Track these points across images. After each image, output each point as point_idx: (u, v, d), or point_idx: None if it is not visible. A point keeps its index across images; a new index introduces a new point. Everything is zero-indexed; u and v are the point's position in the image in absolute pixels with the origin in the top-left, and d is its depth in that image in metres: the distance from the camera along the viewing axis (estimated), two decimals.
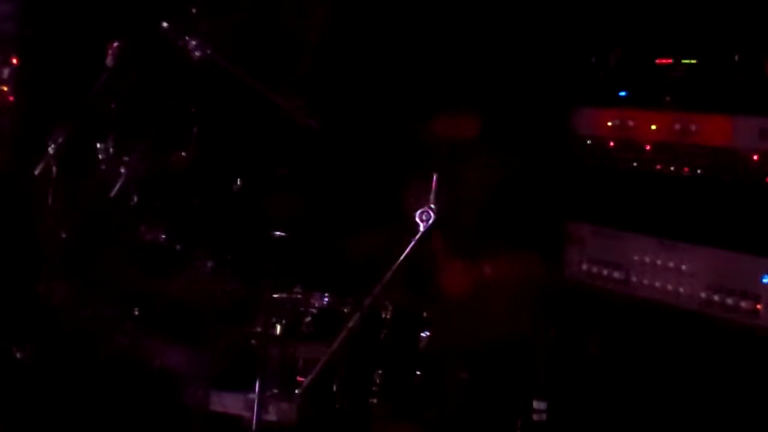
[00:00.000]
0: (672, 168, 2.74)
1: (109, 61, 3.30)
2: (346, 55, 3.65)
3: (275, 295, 3.01)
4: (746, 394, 2.53)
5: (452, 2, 3.56)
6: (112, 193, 3.27)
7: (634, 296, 2.82)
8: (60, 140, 3.24)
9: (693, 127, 2.69)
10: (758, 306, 2.51)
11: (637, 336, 2.80)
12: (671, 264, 2.72)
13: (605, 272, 2.90)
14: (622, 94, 2.91)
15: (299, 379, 2.95)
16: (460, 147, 3.50)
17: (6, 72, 4.09)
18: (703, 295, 2.64)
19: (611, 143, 2.91)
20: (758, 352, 2.50)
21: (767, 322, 2.49)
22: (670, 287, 2.72)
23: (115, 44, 3.30)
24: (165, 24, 3.25)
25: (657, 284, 2.75)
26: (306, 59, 3.59)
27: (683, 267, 2.69)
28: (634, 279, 2.82)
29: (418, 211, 2.69)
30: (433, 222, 2.68)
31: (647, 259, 2.78)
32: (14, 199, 3.68)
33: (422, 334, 3.02)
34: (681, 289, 2.69)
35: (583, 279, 2.97)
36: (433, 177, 2.66)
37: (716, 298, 2.61)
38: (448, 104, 3.52)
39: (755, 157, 2.52)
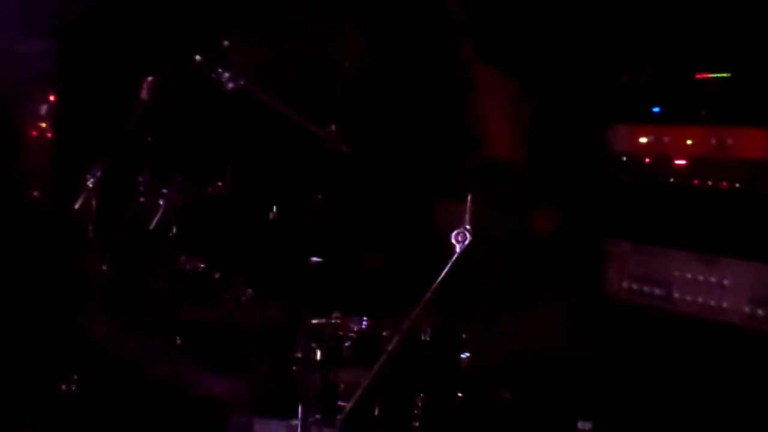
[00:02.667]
0: (709, 182, 2.72)
1: (144, 95, 3.34)
2: (379, 79, 3.67)
3: (314, 321, 3.01)
4: None
5: (480, 24, 3.56)
6: (152, 225, 3.30)
7: (676, 312, 2.79)
8: (98, 174, 3.27)
9: (729, 141, 2.67)
10: None
11: (680, 352, 2.77)
12: (713, 279, 2.69)
13: (646, 289, 2.87)
14: (656, 110, 2.89)
15: (341, 404, 2.94)
16: (495, 167, 3.49)
17: (44, 109, 4.15)
18: (746, 309, 2.61)
19: (647, 159, 2.89)
20: None
21: None
22: (712, 302, 2.69)
23: (150, 78, 3.34)
24: (198, 57, 3.29)
25: (699, 299, 2.72)
26: (339, 85, 3.61)
27: (725, 281, 2.66)
28: (676, 295, 2.79)
29: (454, 233, 2.67)
30: (469, 243, 2.66)
31: (688, 275, 2.75)
32: (55, 233, 3.73)
33: (462, 356, 3.01)
34: (724, 304, 2.66)
35: (625, 296, 2.94)
36: (467, 198, 2.64)
37: (760, 312, 2.57)
38: (482, 126, 3.52)
39: None
